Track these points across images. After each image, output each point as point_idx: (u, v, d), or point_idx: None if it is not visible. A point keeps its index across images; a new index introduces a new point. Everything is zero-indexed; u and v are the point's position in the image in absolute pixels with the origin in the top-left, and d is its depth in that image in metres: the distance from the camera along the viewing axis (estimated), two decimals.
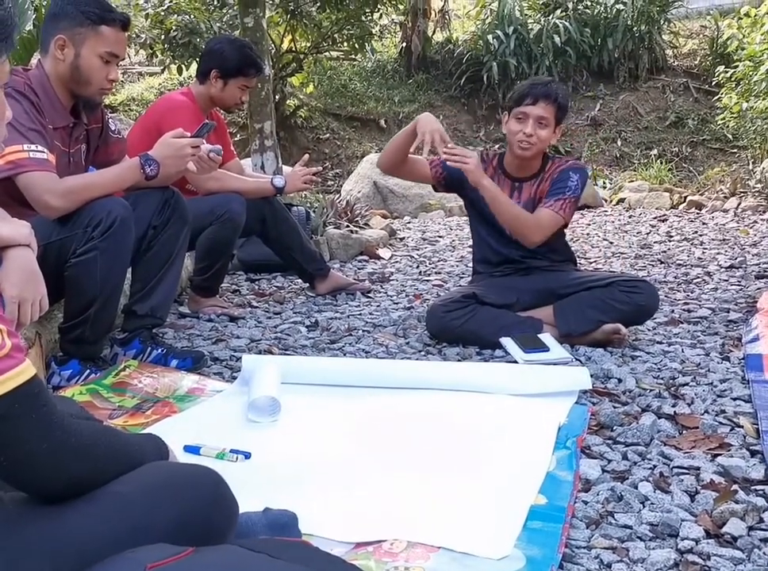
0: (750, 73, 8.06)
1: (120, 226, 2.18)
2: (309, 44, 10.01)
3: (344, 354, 2.71)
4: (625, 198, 6.62)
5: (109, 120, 2.55)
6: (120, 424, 2.01)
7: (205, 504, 1.14)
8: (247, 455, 1.82)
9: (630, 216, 5.86)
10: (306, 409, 2.14)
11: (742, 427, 1.98)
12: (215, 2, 8.86)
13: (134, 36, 8.07)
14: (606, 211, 6.24)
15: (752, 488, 1.67)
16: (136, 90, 10.48)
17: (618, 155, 10.67)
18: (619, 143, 10.83)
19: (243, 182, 3.37)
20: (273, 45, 9.79)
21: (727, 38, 9.00)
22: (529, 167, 2.86)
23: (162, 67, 8.94)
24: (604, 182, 8.63)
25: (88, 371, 2.29)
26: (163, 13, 8.13)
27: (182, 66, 7.97)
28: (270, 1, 9.78)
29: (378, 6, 9.75)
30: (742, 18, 8.46)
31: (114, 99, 10.24)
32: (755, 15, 8.16)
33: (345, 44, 10.27)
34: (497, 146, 11.08)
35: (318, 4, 9.39)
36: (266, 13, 9.50)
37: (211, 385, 2.35)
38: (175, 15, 8.23)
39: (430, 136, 2.63)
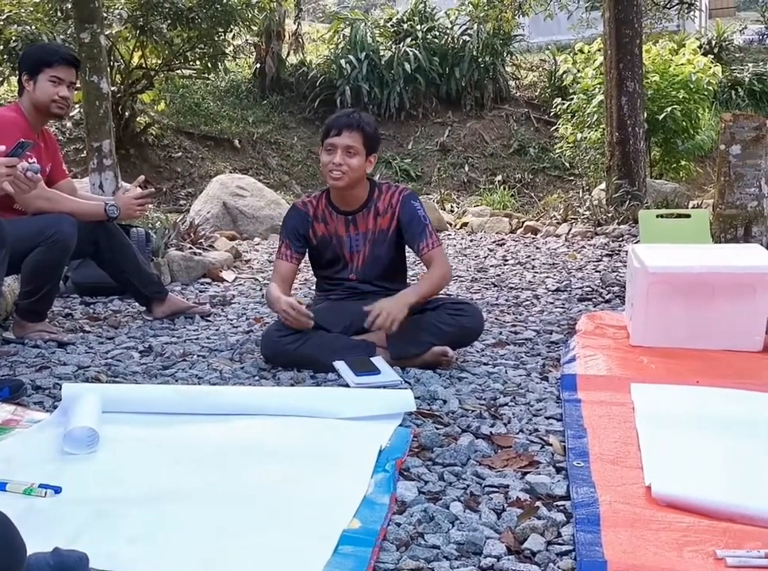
0: (584, 105, 8.58)
1: None
2: (160, 61, 9.81)
3: (176, 381, 2.67)
4: (468, 222, 6.85)
5: None
6: None
7: None
8: (58, 490, 1.75)
9: (471, 240, 6.06)
10: (127, 440, 2.09)
11: (551, 445, 2.09)
12: (58, 14, 8.54)
13: None
14: (450, 234, 6.44)
15: (554, 504, 1.77)
16: None
17: (466, 180, 11.06)
18: (466, 168, 11.24)
19: (75, 204, 3.27)
20: (122, 61, 9.56)
21: (563, 72, 9.52)
22: (355, 198, 2.92)
23: (1, 79, 8.53)
24: (451, 207, 8.90)
25: None
26: (2, 23, 7.76)
27: None
28: (119, 16, 9.54)
29: (231, 26, 9.69)
30: (576, 54, 8.99)
31: None
32: (588, 51, 8.70)
33: (197, 62, 10.14)
34: None
35: (169, 21, 9.24)
36: (115, 28, 9.28)
37: (29, 415, 2.25)
38: (15, 25, 7.87)
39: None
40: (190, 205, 7.91)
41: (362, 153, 2.82)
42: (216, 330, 3.36)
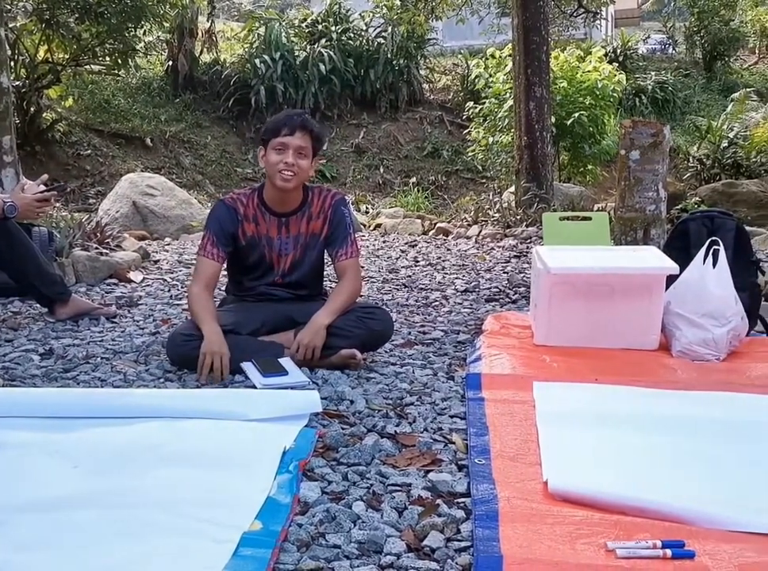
0: (496, 109, 8.75)
1: None
2: (67, 56, 9.55)
3: (78, 384, 2.60)
4: (382, 224, 6.90)
5: None
6: None
7: None
8: None
9: (384, 241, 6.10)
10: (22, 445, 2.02)
11: (454, 443, 2.12)
12: None
13: None
14: (364, 236, 6.46)
15: (455, 501, 1.79)
16: None
17: (381, 182, 11.14)
18: (381, 170, 11.32)
19: None
20: (27, 55, 9.27)
21: (475, 76, 9.68)
22: (292, 201, 2.89)
23: None
24: (366, 208, 8.94)
25: None
26: None
27: None
28: (23, 9, 9.26)
29: (142, 22, 9.51)
30: (488, 59, 9.15)
31: None
32: (499, 56, 8.86)
33: (107, 58, 9.92)
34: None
35: (76, 15, 9.00)
36: (19, 21, 8.99)
37: None
38: None
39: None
40: (100, 204, 7.74)
41: (310, 155, 2.80)
42: (122, 332, 3.29)
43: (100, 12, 8.87)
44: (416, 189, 10.10)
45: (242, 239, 2.89)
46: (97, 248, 4.69)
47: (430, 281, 4.45)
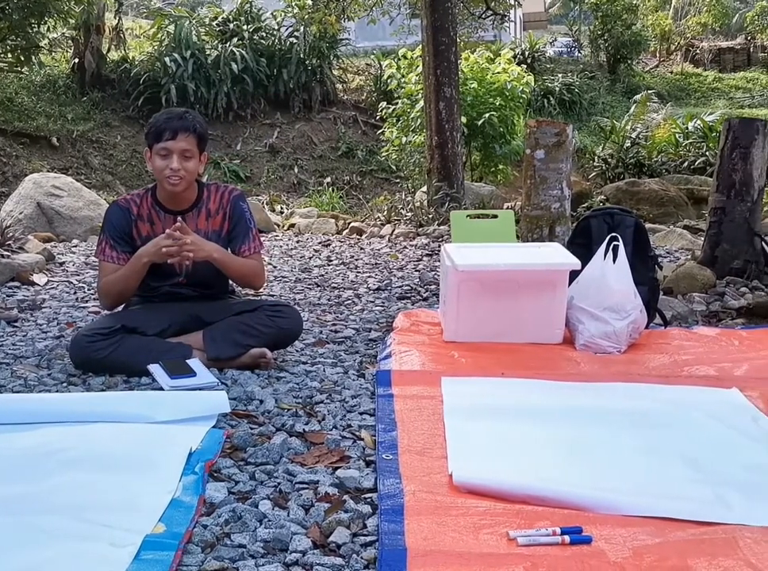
0: (408, 110, 8.83)
1: None
2: None
3: None
4: (296, 223, 6.88)
5: None
6: None
7: None
8: None
9: (298, 241, 6.08)
10: None
11: (363, 439, 2.13)
12: None
13: None
14: (277, 236, 6.43)
15: (362, 496, 1.81)
16: None
17: (295, 182, 11.09)
18: (296, 170, 11.26)
19: None
20: None
21: (388, 77, 9.74)
22: (185, 199, 2.85)
23: None
24: (281, 208, 8.89)
25: None
26: None
27: None
28: None
29: (46, 18, 9.23)
30: (400, 59, 9.23)
31: None
32: (411, 57, 8.95)
33: (9, 54, 9.60)
34: None
35: None
36: None
37: None
38: None
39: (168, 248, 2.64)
40: (2, 206, 7.47)
41: (197, 155, 2.76)
42: (24, 336, 3.20)
43: (0, 7, 8.58)
44: (330, 189, 10.11)
45: (137, 240, 2.84)
46: None
47: (343, 279, 4.46)
